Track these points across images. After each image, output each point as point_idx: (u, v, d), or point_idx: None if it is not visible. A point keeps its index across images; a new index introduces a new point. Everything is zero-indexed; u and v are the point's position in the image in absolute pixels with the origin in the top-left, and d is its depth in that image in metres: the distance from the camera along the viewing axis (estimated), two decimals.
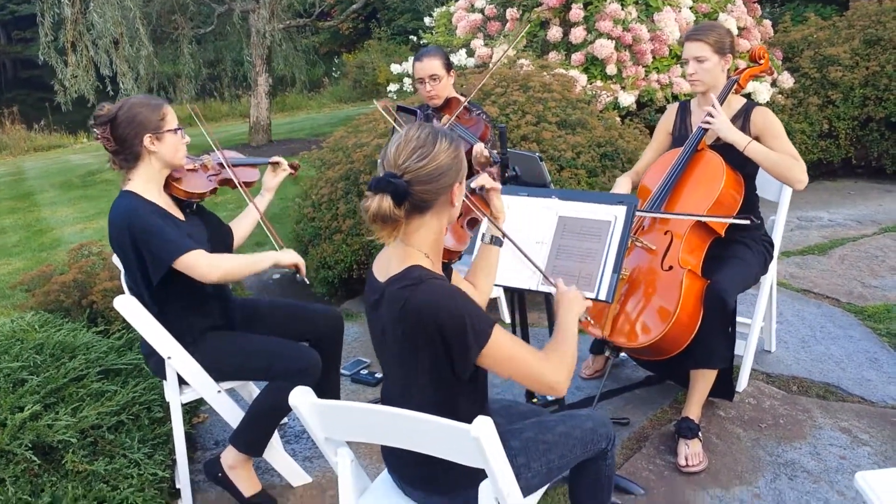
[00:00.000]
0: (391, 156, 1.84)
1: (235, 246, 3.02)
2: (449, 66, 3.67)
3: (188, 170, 2.85)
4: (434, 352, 1.84)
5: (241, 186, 3.00)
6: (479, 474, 1.79)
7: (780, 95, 6.37)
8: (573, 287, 2.19)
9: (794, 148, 3.07)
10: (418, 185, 1.82)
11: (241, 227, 3.07)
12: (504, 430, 2.01)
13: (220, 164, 2.98)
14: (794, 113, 6.33)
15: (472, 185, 2.18)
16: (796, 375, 3.53)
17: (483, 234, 2.23)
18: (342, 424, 1.92)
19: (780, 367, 3.60)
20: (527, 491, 2.03)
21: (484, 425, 1.65)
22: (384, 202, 1.78)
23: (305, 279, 2.91)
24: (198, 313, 2.76)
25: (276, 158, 3.16)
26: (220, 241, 2.88)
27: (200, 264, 2.58)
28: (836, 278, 4.58)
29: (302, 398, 1.88)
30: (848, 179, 6.70)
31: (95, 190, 9.61)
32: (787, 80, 6.39)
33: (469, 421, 1.65)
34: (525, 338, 3.01)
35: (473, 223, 2.25)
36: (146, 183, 2.68)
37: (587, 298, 2.26)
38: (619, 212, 2.61)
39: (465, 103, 3.49)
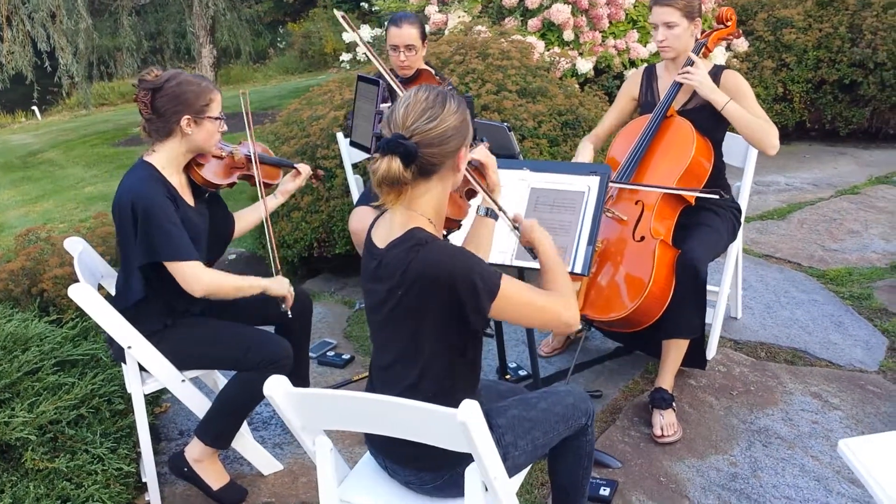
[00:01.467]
0: (399, 117, 1.79)
1: (234, 237, 2.94)
2: (425, 36, 3.53)
3: (214, 156, 2.73)
4: (441, 313, 1.81)
5: (260, 187, 2.88)
6: (465, 453, 1.74)
7: (734, 59, 6.37)
8: (534, 221, 2.13)
9: (764, 112, 3.04)
10: (427, 147, 1.77)
11: (245, 220, 2.97)
12: (489, 408, 1.97)
13: (248, 159, 2.85)
14: (749, 76, 6.34)
15: (471, 156, 2.12)
16: (764, 341, 3.54)
17: (479, 206, 2.17)
18: (321, 413, 1.84)
19: (747, 334, 3.61)
20: (513, 470, 1.99)
21: (470, 409, 1.58)
22: (393, 164, 1.74)
23: (289, 312, 2.79)
24: (170, 303, 2.63)
25: (299, 166, 3.05)
26: (219, 233, 2.78)
27: (190, 276, 2.48)
28: (797, 242, 4.60)
29: (277, 388, 1.79)
30: (802, 143, 6.76)
31: (38, 171, 9.29)
32: (741, 44, 6.39)
33: (458, 400, 1.60)
34: None
35: (471, 194, 2.19)
36: (168, 160, 2.57)
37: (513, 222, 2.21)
38: (593, 182, 2.56)
39: (438, 77, 3.38)
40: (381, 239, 1.90)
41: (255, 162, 2.86)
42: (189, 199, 2.65)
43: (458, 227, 2.23)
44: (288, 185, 3.03)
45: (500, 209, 2.15)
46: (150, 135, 2.58)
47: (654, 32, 3.12)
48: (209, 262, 2.64)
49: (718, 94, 2.98)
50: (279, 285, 2.73)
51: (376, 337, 2.01)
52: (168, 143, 2.56)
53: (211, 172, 2.70)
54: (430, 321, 1.83)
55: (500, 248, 2.53)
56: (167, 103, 2.49)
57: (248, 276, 2.66)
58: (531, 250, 2.11)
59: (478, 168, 2.16)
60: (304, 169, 3.05)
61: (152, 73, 2.52)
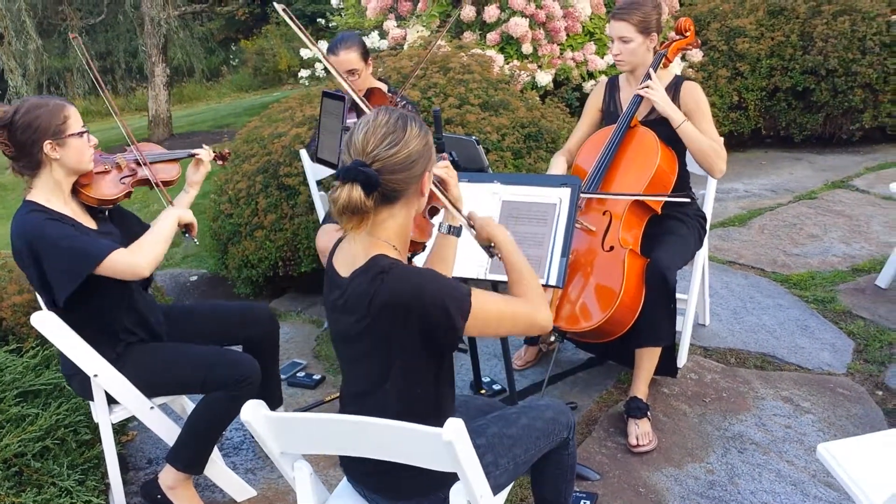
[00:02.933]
0: (359, 142, 1.71)
1: None
2: (366, 54, 3.47)
3: (98, 173, 2.59)
4: (410, 339, 1.75)
5: (158, 188, 2.73)
6: (445, 477, 1.71)
7: (690, 69, 6.45)
8: (487, 215, 2.08)
9: (716, 132, 3.09)
10: (389, 174, 1.70)
11: None
12: (469, 427, 1.93)
13: (136, 162, 2.72)
14: (705, 86, 6.40)
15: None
16: (733, 347, 3.57)
17: (440, 224, 2.12)
18: (301, 438, 1.80)
19: (716, 341, 3.64)
20: (495, 490, 1.96)
21: (456, 428, 1.56)
22: (354, 192, 1.66)
23: (195, 240, 2.70)
24: (117, 327, 2.55)
25: (197, 151, 2.88)
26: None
27: (122, 263, 2.38)
28: (759, 248, 4.66)
29: (254, 412, 1.74)
30: (758, 149, 6.86)
31: None
32: (696, 54, 6.48)
33: (438, 421, 1.57)
34: None
35: (434, 212, 2.15)
36: (50, 192, 2.44)
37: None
38: (564, 194, 2.56)
39: (392, 95, 3.34)
40: (344, 267, 1.83)
41: (143, 159, 2.72)
42: (89, 223, 2.54)
43: (423, 248, 2.18)
44: (194, 176, 2.85)
45: (460, 212, 2.09)
46: (21, 174, 2.46)
47: (611, 45, 3.15)
48: (146, 279, 2.55)
49: (675, 111, 3.01)
50: (183, 213, 2.63)
51: (346, 366, 1.95)
52: (42, 175, 2.44)
53: (100, 190, 2.57)
54: (401, 348, 1.77)
55: (475, 261, 2.51)
56: (23, 135, 2.35)
57: (157, 225, 2.57)
58: (490, 247, 2.04)
59: (438, 184, 2.12)
60: (206, 154, 2.89)
61: (0, 111, 2.38)
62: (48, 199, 2.44)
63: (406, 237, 1.87)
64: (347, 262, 1.82)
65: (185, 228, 2.66)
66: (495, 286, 2.79)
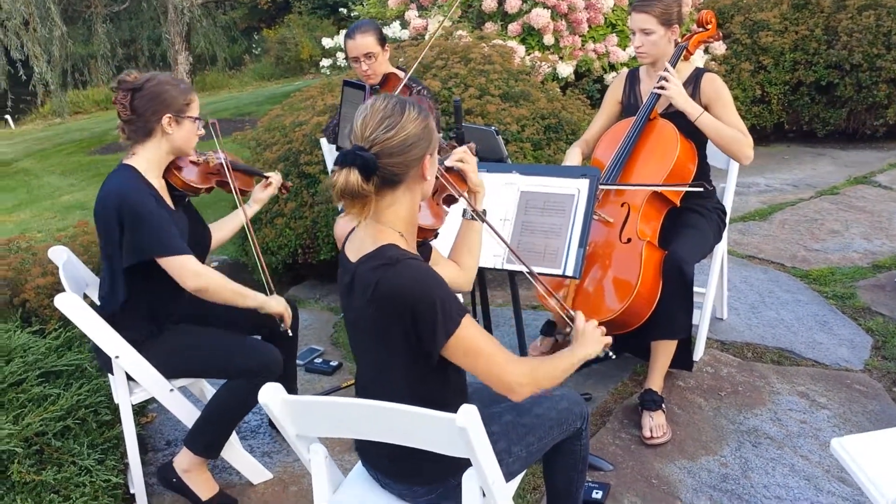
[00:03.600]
0: (358, 128, 1.75)
1: (212, 249, 2.91)
2: (383, 40, 3.51)
3: (191, 161, 2.74)
4: (406, 335, 1.76)
5: (236, 192, 2.88)
6: (459, 463, 1.73)
7: (713, 62, 6.42)
8: (593, 322, 2.06)
9: (741, 120, 3.06)
10: (387, 157, 1.73)
11: (223, 230, 2.97)
12: (482, 414, 1.95)
13: (222, 165, 2.85)
14: (728, 79, 6.37)
15: (447, 162, 2.10)
16: (750, 342, 3.56)
17: (465, 210, 2.15)
18: (317, 421, 1.82)
19: (733, 335, 3.63)
20: (508, 477, 1.97)
21: (469, 414, 1.58)
22: (351, 176, 1.69)
23: (289, 331, 2.81)
24: (157, 310, 2.61)
25: (270, 175, 3.07)
26: (198, 241, 2.75)
27: (183, 269, 2.47)
28: (779, 243, 4.64)
29: (273, 395, 1.77)
30: (781, 144, 6.82)
31: (13, 181, 9.17)
32: (719, 47, 6.44)
33: (450, 407, 1.59)
34: (486, 316, 2.94)
35: (450, 200, 2.17)
36: (149, 162, 2.57)
37: (550, 275, 2.20)
38: (582, 185, 2.56)
39: (406, 80, 3.35)
40: (354, 252, 1.86)
41: (228, 164, 2.86)
42: (170, 204, 2.64)
43: (435, 236, 2.20)
44: (260, 194, 3.05)
45: (482, 218, 2.12)
46: (128, 137, 2.57)
47: (632, 37, 3.14)
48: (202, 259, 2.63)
49: (692, 105, 3.00)
50: (276, 303, 2.72)
51: (356, 350, 1.98)
52: (148, 144, 2.55)
53: (189, 176, 2.70)
54: (396, 341, 1.79)
55: (491, 251, 2.52)
56: (147, 103, 2.50)
57: (246, 289, 2.64)
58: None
59: (458, 172, 2.14)
60: (276, 178, 3.07)
61: (132, 75, 2.53)
62: (146, 169, 2.56)
63: (412, 223, 1.88)
64: (356, 247, 1.86)
65: (280, 318, 2.75)
66: (512, 278, 2.81)
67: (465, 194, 2.09)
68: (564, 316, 2.13)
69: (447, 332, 1.74)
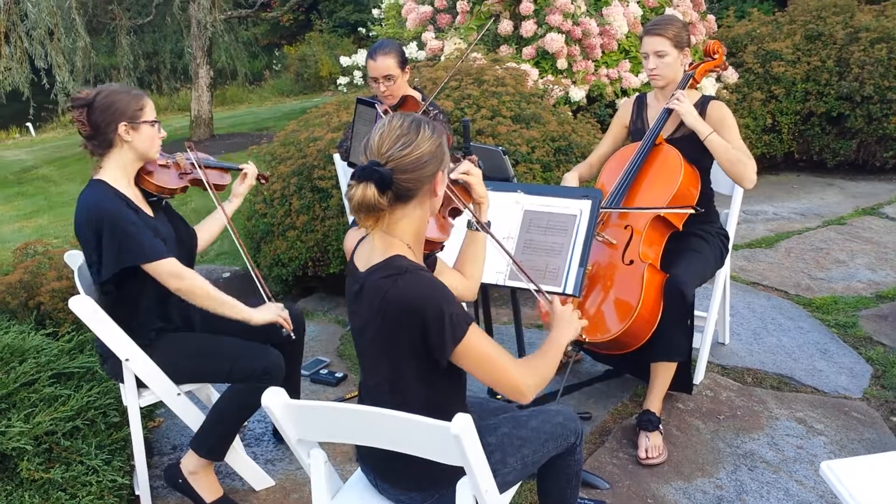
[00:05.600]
0: (374, 144, 1.83)
1: (199, 250, 2.95)
2: (404, 62, 3.55)
3: (160, 165, 2.79)
4: (413, 343, 1.83)
5: (210, 189, 2.92)
6: (457, 472, 1.78)
7: (724, 90, 6.48)
8: (569, 307, 2.17)
9: (745, 146, 3.12)
10: (402, 173, 1.80)
11: (207, 230, 3.01)
12: (479, 425, 2.00)
13: (192, 164, 2.91)
14: (739, 108, 6.45)
15: (453, 175, 2.17)
16: (750, 367, 3.59)
17: (469, 221, 2.22)
18: (318, 425, 1.88)
19: (734, 359, 3.66)
20: (502, 487, 2.02)
21: (464, 422, 1.63)
22: (368, 190, 1.77)
23: (292, 335, 2.79)
24: (154, 314, 2.68)
25: (244, 166, 3.09)
26: (182, 242, 2.80)
27: (165, 271, 2.53)
28: (784, 271, 4.68)
29: (275, 399, 1.83)
30: (790, 173, 6.86)
31: (32, 187, 9.32)
32: (731, 75, 6.50)
33: (451, 414, 1.64)
34: (489, 333, 3.00)
35: (456, 212, 2.23)
36: (117, 172, 2.62)
37: (552, 293, 2.27)
38: (585, 206, 2.62)
39: (425, 102, 3.42)
40: (363, 262, 1.94)
41: (198, 162, 2.90)
42: (147, 210, 2.69)
43: (441, 248, 2.27)
44: (239, 188, 3.08)
45: (486, 229, 2.19)
46: (93, 153, 2.64)
47: (645, 61, 3.21)
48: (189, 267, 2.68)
49: (702, 123, 3.06)
50: (261, 315, 2.70)
51: (362, 358, 2.04)
52: (112, 155, 2.61)
53: (161, 179, 2.75)
54: (403, 350, 1.86)
55: (493, 268, 2.58)
56: (101, 115, 2.54)
57: (231, 299, 2.66)
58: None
59: (463, 185, 2.21)
60: (250, 169, 3.09)
61: (83, 92, 2.59)
62: (115, 180, 2.61)
63: (420, 237, 1.96)
64: (366, 258, 1.93)
65: (279, 326, 2.76)
66: (513, 295, 2.87)
67: (471, 206, 2.17)
68: (544, 302, 2.23)
69: (455, 340, 1.82)
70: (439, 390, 1.94)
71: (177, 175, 2.84)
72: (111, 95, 2.56)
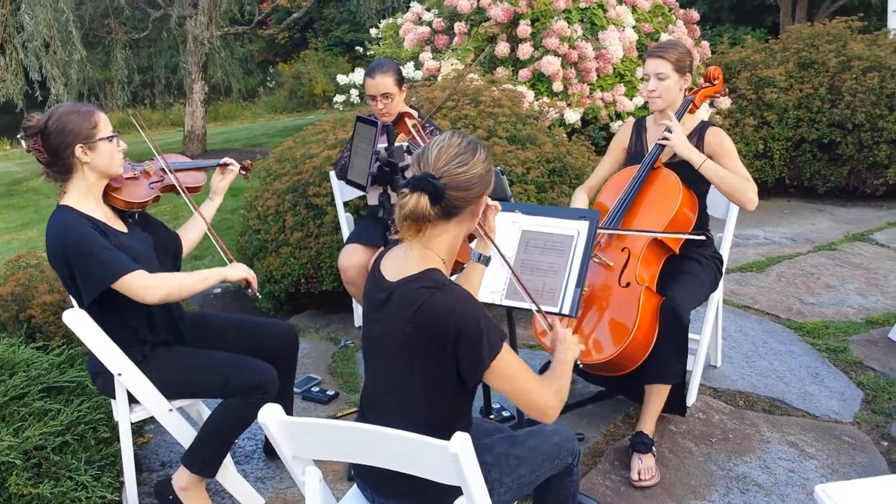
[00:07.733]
0: (432, 157, 1.87)
1: (186, 252, 2.92)
2: (401, 81, 3.61)
3: (127, 178, 2.73)
4: (443, 357, 1.86)
5: (184, 193, 2.87)
6: (455, 489, 1.77)
7: (717, 116, 6.53)
8: (568, 330, 2.22)
9: (745, 169, 3.15)
10: (453, 190, 1.86)
11: (190, 233, 2.96)
12: (476, 444, 2.00)
13: (163, 170, 2.86)
14: (731, 133, 6.49)
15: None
16: (742, 390, 3.60)
17: (472, 252, 2.26)
18: (314, 442, 1.87)
19: (726, 382, 3.67)
20: None
21: (462, 441, 1.63)
22: (422, 200, 1.81)
23: (258, 293, 2.82)
24: (144, 330, 2.65)
25: (226, 160, 3.05)
26: (165, 249, 2.78)
27: (138, 286, 2.45)
28: (775, 295, 4.69)
29: (271, 415, 1.82)
30: (781, 199, 6.91)
31: (22, 199, 9.26)
32: (724, 101, 6.56)
33: (454, 432, 1.64)
34: None
35: (471, 237, 2.27)
36: (82, 195, 2.56)
37: (550, 314, 2.30)
38: (582, 227, 2.63)
39: (422, 120, 3.44)
40: (393, 272, 1.95)
41: (168, 167, 2.85)
42: (120, 226, 2.65)
43: (462, 269, 2.30)
44: (219, 183, 3.01)
45: (501, 254, 2.23)
46: (55, 179, 2.57)
47: (645, 83, 3.24)
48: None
49: (694, 153, 3.09)
50: (237, 271, 2.70)
51: (371, 367, 2.04)
52: (74, 178, 2.54)
53: (130, 194, 2.69)
54: (428, 361, 1.88)
55: (490, 288, 2.58)
56: (56, 140, 2.45)
57: (200, 274, 2.62)
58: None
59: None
60: (231, 162, 3.03)
61: (33, 119, 2.50)
62: (81, 203, 2.55)
63: (453, 255, 2.00)
64: (397, 267, 1.95)
65: (246, 284, 2.74)
66: (510, 315, 2.87)
67: (491, 234, 2.20)
68: (545, 324, 2.30)
69: (491, 356, 1.86)
70: (451, 408, 1.96)
71: (147, 185, 2.77)
72: (63, 118, 2.46)
